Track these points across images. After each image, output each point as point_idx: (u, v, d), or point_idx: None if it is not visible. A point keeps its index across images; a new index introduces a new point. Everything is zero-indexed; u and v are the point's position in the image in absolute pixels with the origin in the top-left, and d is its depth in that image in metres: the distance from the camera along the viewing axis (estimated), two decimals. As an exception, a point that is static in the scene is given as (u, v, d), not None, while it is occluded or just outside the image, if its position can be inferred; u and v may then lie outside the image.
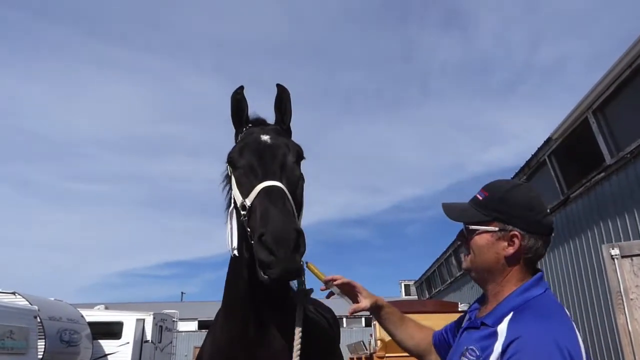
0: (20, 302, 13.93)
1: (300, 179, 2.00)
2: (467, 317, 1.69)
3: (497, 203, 1.55)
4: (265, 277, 1.66)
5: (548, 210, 1.58)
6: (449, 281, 21.06)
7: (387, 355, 8.03)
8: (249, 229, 1.79)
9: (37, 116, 67.54)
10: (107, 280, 76.34)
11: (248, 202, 1.82)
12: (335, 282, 1.83)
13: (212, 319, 2.40)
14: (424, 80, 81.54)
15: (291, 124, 2.25)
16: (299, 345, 1.88)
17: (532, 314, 1.40)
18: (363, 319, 34.19)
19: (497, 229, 1.53)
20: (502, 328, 1.40)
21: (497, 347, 1.36)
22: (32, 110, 68.10)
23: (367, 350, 10.36)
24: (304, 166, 2.11)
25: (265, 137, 2.04)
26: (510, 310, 1.44)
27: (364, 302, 1.87)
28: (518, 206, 1.53)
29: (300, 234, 1.67)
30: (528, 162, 10.88)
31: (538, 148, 10.31)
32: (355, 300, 1.90)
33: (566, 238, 9.40)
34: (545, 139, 9.99)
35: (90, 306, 19.80)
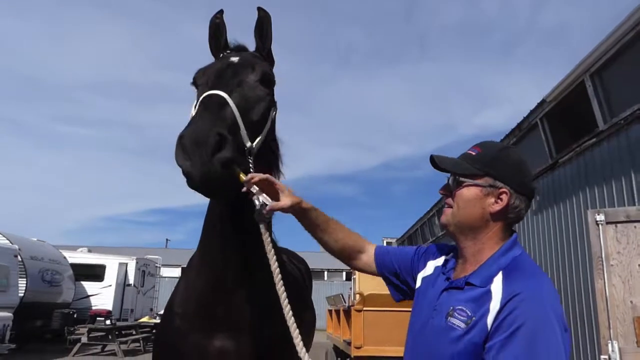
0: (1, 240, 13.98)
1: (261, 99, 1.89)
2: (440, 275, 1.65)
3: (490, 159, 1.56)
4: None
5: (532, 178, 1.64)
6: (430, 240, 21.07)
7: (364, 308, 8.03)
8: None
9: (29, 57, 66.06)
10: (92, 224, 76.85)
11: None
12: (253, 180, 1.68)
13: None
14: (423, 40, 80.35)
15: (274, 53, 2.14)
16: (279, 276, 1.75)
17: (523, 273, 1.43)
18: (344, 273, 34.93)
19: (487, 184, 1.54)
20: (496, 287, 1.41)
21: (494, 306, 1.37)
22: (24, 51, 66.54)
23: (345, 303, 10.52)
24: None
25: (233, 59, 1.97)
26: (498, 270, 1.46)
27: (284, 201, 1.74)
28: (510, 166, 1.56)
29: (224, 138, 1.57)
30: (519, 125, 10.77)
31: (530, 110, 10.17)
32: (276, 199, 1.76)
33: (551, 202, 9.45)
34: (538, 101, 9.84)
35: (74, 248, 19.95)
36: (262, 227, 1.76)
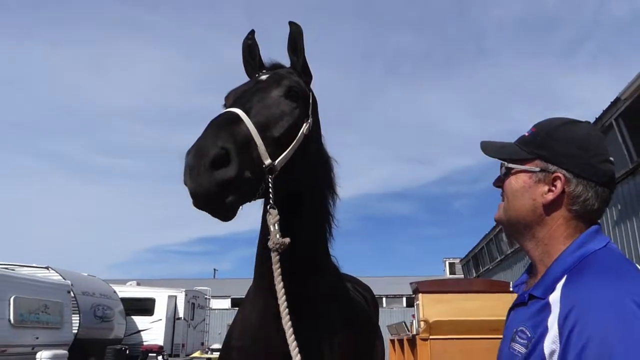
0: (54, 276, 14.37)
1: (285, 114, 1.84)
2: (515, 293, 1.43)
3: (543, 138, 1.33)
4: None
5: (611, 159, 1.31)
6: (499, 259, 20.65)
7: (431, 337, 7.71)
8: None
9: (68, 88, 68.88)
10: (139, 257, 78.55)
11: None
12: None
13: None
14: (478, 41, 76.88)
15: (310, 66, 2.15)
16: (285, 304, 1.72)
17: (592, 273, 1.15)
18: (404, 299, 34.43)
19: (537, 169, 1.31)
20: (555, 297, 1.15)
21: (552, 323, 1.12)
22: (61, 80, 69.57)
23: (409, 331, 9.90)
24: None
25: (262, 77, 1.99)
26: (563, 273, 1.20)
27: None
28: (568, 142, 1.30)
29: (229, 153, 1.52)
30: (592, 127, 10.26)
31: (604, 110, 9.66)
32: None
33: (635, 210, 8.87)
34: (612, 100, 9.37)
35: (123, 282, 20.18)
36: (273, 256, 1.70)
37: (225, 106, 1.92)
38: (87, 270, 18.79)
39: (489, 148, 1.44)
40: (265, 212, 1.78)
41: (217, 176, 1.49)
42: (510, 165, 1.37)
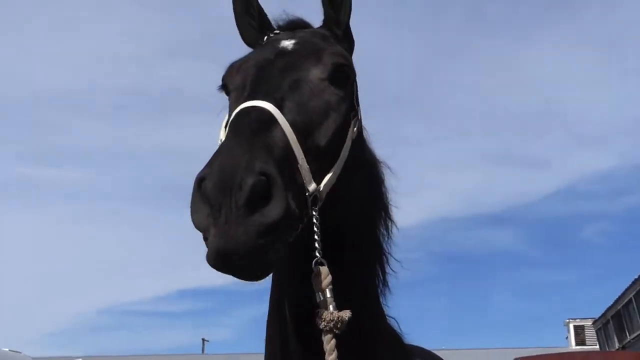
0: None
1: (332, 108, 1.56)
2: None
3: None
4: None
5: None
6: None
7: None
8: None
9: None
10: (89, 322, 54.91)
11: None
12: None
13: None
14: None
15: (352, 27, 1.83)
16: None
17: None
18: None
19: None
20: None
21: None
22: None
23: None
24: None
25: (285, 43, 1.68)
26: None
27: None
28: None
29: (272, 180, 1.23)
30: None
31: None
32: None
33: None
34: None
35: None
36: (326, 341, 1.42)
37: (231, 91, 1.65)
38: (8, 343, 15.27)
39: None
40: (297, 266, 1.55)
41: (258, 221, 1.22)
42: None
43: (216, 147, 1.37)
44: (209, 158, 1.30)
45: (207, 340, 36.15)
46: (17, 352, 14.03)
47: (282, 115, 1.39)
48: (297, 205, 1.32)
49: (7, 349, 13.54)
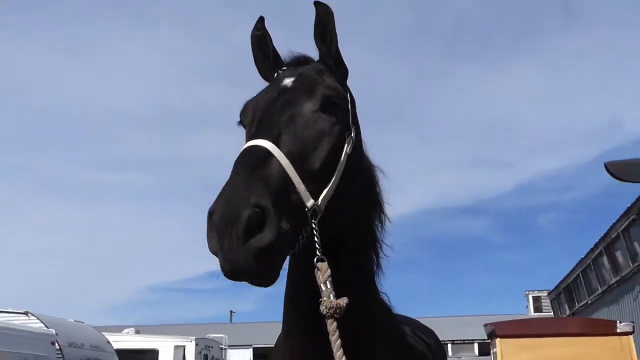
0: (35, 324, 13.32)
1: (325, 133, 1.76)
2: None
3: None
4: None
5: None
6: (600, 291, 18.56)
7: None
8: None
9: (48, 91, 57.60)
10: (138, 298, 67.80)
11: None
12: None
13: (271, 345, 2.42)
14: (566, 3, 61.62)
15: (343, 55, 2.00)
16: None
17: None
18: (475, 345, 32.37)
19: None
20: None
21: None
22: (42, 84, 59.21)
23: None
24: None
25: (287, 82, 1.89)
26: None
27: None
28: None
29: (265, 211, 1.44)
30: None
31: None
32: None
33: None
34: None
35: (119, 330, 19.25)
36: (328, 324, 1.63)
37: (244, 124, 1.90)
38: (74, 315, 17.07)
39: (626, 171, 0.64)
40: (299, 265, 1.81)
41: (253, 245, 1.43)
42: None
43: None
44: (219, 191, 1.52)
45: (234, 312, 43.68)
46: (80, 322, 16.08)
47: (277, 149, 1.60)
48: (292, 223, 1.53)
49: (72, 320, 15.72)
